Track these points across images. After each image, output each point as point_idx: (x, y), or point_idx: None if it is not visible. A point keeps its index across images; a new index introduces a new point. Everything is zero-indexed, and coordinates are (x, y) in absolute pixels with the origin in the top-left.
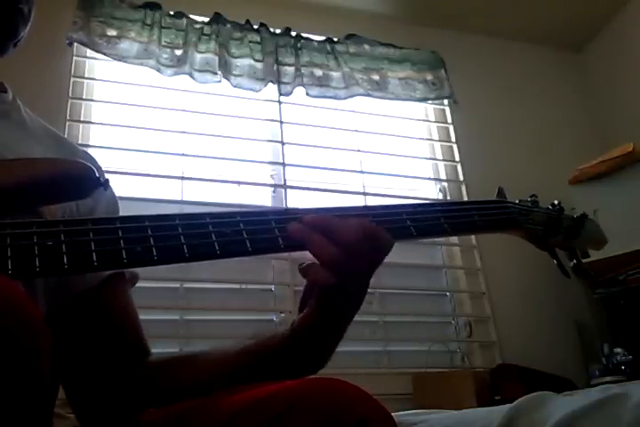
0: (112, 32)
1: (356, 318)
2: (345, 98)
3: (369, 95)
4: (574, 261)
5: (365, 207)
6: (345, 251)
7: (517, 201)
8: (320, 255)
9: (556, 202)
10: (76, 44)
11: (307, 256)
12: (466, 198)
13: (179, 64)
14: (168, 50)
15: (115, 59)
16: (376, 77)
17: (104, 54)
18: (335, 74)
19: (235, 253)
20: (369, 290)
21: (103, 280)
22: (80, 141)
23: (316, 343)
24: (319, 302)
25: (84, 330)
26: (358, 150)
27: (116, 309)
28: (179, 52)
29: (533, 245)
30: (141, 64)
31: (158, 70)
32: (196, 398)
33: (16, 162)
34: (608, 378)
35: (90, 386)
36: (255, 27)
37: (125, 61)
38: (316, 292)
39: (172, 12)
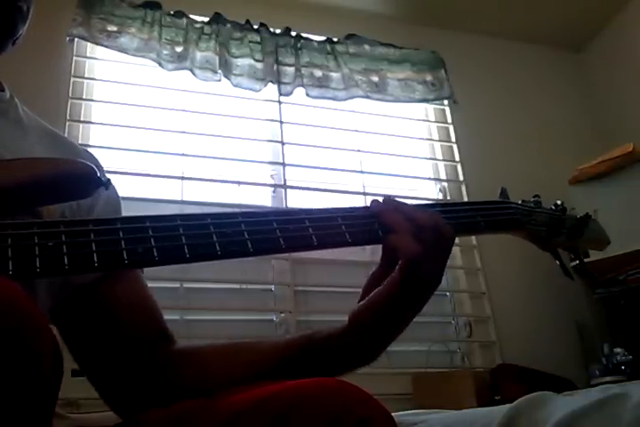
0: (112, 27)
1: None
2: (344, 99)
3: (368, 97)
4: (577, 261)
5: (366, 208)
6: (421, 232)
7: (520, 201)
8: (400, 229)
9: (558, 202)
10: (76, 43)
11: (308, 256)
12: (466, 198)
13: (179, 60)
14: (168, 46)
15: (116, 50)
16: (375, 79)
17: (105, 47)
18: (335, 75)
19: (236, 253)
20: None
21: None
22: (80, 141)
23: (383, 324)
24: (403, 269)
25: (92, 322)
26: (358, 150)
27: (123, 296)
28: (179, 49)
29: (536, 245)
30: (143, 56)
31: (159, 64)
32: (198, 398)
33: (16, 162)
34: (608, 378)
35: (111, 378)
36: (255, 27)
37: (127, 53)
38: (402, 264)
39: (171, 12)
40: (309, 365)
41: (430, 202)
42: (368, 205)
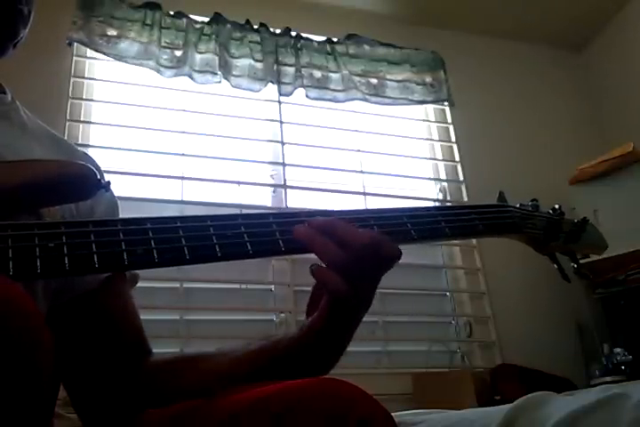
0: (112, 32)
1: None
2: (343, 101)
3: (366, 100)
4: (575, 266)
5: (365, 211)
6: (351, 254)
7: (518, 205)
8: (325, 257)
9: (556, 206)
10: (75, 43)
11: (308, 256)
12: (466, 199)
13: (178, 65)
14: (168, 50)
15: (114, 59)
16: (374, 81)
17: (104, 54)
18: (334, 76)
19: (236, 255)
20: None
21: (103, 281)
22: (80, 141)
23: (325, 346)
24: (329, 303)
25: (84, 331)
26: (358, 150)
27: (117, 309)
28: (178, 53)
29: (533, 249)
30: (141, 65)
31: (158, 71)
32: (196, 398)
33: (17, 163)
34: (608, 378)
35: (91, 386)
36: (255, 27)
37: (125, 61)
38: (327, 295)
39: (171, 12)
40: (265, 374)
41: (431, 206)
42: (364, 207)
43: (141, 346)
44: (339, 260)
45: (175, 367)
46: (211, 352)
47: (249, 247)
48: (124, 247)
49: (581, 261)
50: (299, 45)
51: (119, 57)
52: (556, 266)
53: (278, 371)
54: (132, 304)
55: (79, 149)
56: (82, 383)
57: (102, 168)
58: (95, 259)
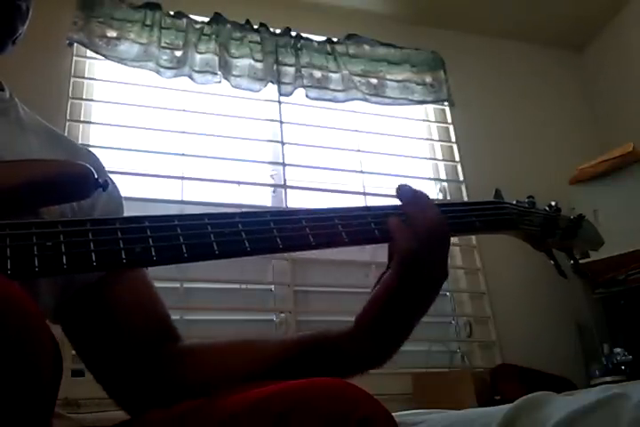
0: (112, 33)
1: None
2: (343, 101)
3: (366, 100)
4: (572, 262)
5: (364, 208)
6: (422, 237)
7: (514, 202)
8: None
9: (553, 203)
10: (75, 43)
11: (307, 255)
12: (466, 198)
13: (178, 65)
14: (168, 51)
15: (114, 61)
16: (374, 81)
17: (104, 56)
18: (334, 76)
19: (233, 253)
20: (369, 290)
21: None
22: (80, 141)
23: (387, 323)
24: (399, 266)
25: (96, 321)
26: (358, 150)
27: (125, 296)
28: (178, 53)
29: (530, 245)
30: (140, 67)
31: (157, 72)
32: (198, 398)
33: (16, 163)
34: (608, 378)
35: (118, 375)
36: (255, 27)
37: (125, 64)
38: (398, 256)
39: (171, 12)
40: (313, 366)
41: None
42: (366, 205)
43: (159, 330)
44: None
45: (222, 351)
46: (268, 338)
47: (247, 245)
48: (122, 246)
49: (581, 262)
50: (299, 45)
51: (119, 59)
52: (552, 262)
53: (335, 359)
54: (145, 288)
55: (81, 146)
56: (107, 374)
57: (104, 166)
58: (93, 257)
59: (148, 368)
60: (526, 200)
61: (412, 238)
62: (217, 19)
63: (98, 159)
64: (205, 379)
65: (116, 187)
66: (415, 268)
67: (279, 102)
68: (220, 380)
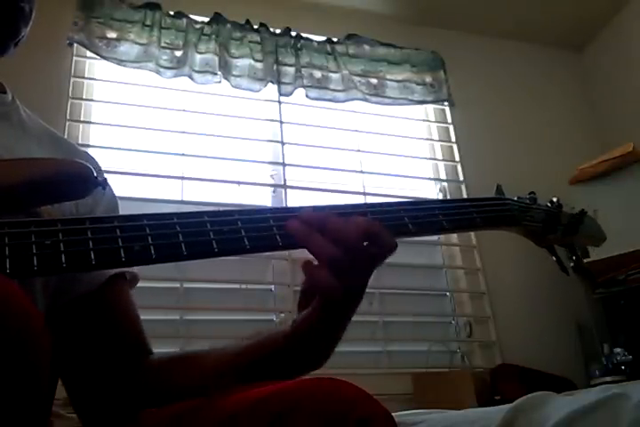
0: (112, 34)
1: (357, 318)
2: (343, 101)
3: (366, 100)
4: (574, 258)
5: (362, 205)
6: (345, 250)
7: (516, 198)
8: (320, 255)
9: (554, 199)
10: (75, 43)
11: (307, 255)
12: None
13: (178, 65)
14: (168, 51)
15: (114, 62)
16: (374, 81)
17: (104, 58)
18: (334, 76)
19: (232, 250)
20: (369, 290)
21: (103, 283)
22: (80, 141)
23: (317, 342)
24: (321, 302)
25: (85, 331)
26: (358, 150)
27: (117, 310)
28: (178, 53)
29: (532, 241)
30: (140, 67)
31: (157, 72)
32: (195, 398)
33: (15, 162)
34: (608, 378)
35: (91, 386)
36: (255, 27)
37: (125, 66)
38: (318, 293)
39: (171, 13)
40: (258, 372)
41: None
42: (362, 202)
43: (141, 347)
44: (331, 255)
45: (174, 366)
46: (208, 349)
47: (246, 242)
48: (120, 244)
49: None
50: (299, 45)
51: (119, 61)
52: (554, 258)
53: (274, 365)
54: (132, 306)
55: (80, 148)
56: (81, 384)
57: (102, 168)
58: (92, 256)
59: (130, 380)
60: (527, 196)
61: (335, 278)
62: (217, 19)
63: (96, 162)
64: (158, 394)
65: (111, 189)
66: (336, 309)
67: (279, 102)
68: (165, 396)
